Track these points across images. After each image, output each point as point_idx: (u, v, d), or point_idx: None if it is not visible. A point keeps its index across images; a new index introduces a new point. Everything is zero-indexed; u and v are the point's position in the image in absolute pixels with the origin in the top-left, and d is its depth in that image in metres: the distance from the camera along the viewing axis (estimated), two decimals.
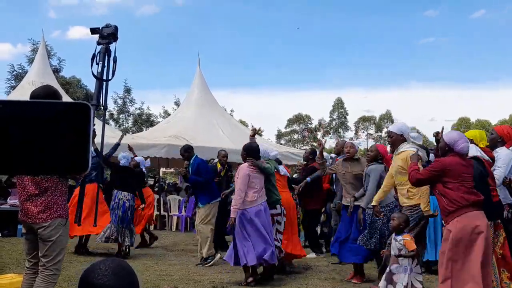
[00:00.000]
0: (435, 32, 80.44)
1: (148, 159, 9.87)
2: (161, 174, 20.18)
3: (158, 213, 12.10)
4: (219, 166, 8.58)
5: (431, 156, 6.56)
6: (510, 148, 5.31)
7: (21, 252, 6.99)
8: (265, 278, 5.96)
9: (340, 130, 61.54)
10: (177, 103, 31.61)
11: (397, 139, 5.03)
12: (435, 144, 5.33)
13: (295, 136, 62.40)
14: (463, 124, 56.15)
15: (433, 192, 6.09)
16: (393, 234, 4.64)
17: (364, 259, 5.98)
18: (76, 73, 45.91)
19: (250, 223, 5.64)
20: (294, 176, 9.70)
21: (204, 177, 7.27)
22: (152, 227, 10.96)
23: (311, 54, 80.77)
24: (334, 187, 7.50)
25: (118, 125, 34.65)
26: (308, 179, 7.58)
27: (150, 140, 12.60)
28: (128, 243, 7.74)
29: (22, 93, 12.18)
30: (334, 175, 7.41)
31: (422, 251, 4.97)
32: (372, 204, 5.27)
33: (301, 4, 78.65)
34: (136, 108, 35.87)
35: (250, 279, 5.76)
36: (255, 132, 6.56)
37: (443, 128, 4.79)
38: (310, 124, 62.76)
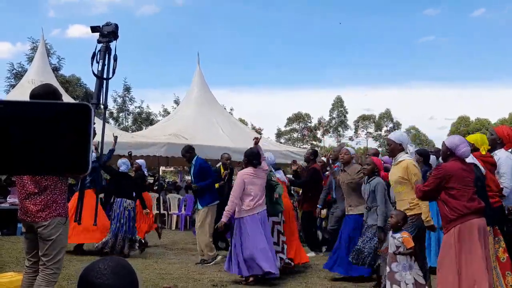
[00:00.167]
0: (435, 31, 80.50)
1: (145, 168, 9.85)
2: (160, 173, 20.18)
3: (157, 211, 12.11)
4: (222, 170, 8.51)
5: (432, 158, 6.57)
6: (509, 150, 5.29)
7: (21, 251, 6.99)
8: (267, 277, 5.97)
9: (339, 128, 61.49)
10: (176, 102, 31.59)
11: (395, 148, 5.02)
12: (435, 143, 5.33)
13: (295, 135, 62.36)
14: (462, 123, 56.11)
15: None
16: (391, 232, 4.64)
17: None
18: (76, 71, 45.99)
19: (246, 233, 5.62)
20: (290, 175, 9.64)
21: (210, 176, 7.27)
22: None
23: (310, 53, 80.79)
24: (334, 194, 7.46)
25: (117, 123, 34.62)
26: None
27: (150, 138, 12.59)
28: (132, 251, 7.70)
29: (22, 92, 12.17)
30: (333, 182, 7.39)
31: (422, 251, 4.94)
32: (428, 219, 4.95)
33: (301, 4, 78.67)
34: (135, 107, 35.86)
35: (251, 278, 5.76)
36: (258, 140, 6.30)
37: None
38: (310, 122, 62.71)
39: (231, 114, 25.03)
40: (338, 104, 61.80)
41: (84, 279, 1.49)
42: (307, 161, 8.71)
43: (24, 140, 0.78)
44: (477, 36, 76.45)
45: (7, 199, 10.23)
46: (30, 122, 0.78)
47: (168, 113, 29.66)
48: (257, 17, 79.69)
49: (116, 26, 3.05)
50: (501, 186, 4.87)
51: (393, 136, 5.17)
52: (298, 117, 62.35)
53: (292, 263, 6.28)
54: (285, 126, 62.70)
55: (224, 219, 5.71)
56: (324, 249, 8.36)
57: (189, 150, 7.51)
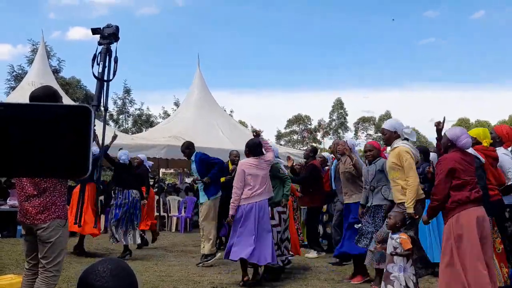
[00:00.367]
0: (435, 32, 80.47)
1: (151, 163, 9.87)
2: (160, 175, 20.17)
3: (157, 213, 12.10)
4: (230, 166, 8.52)
5: (432, 155, 6.57)
6: (509, 148, 5.34)
7: (21, 253, 6.99)
8: (271, 279, 5.97)
9: (339, 130, 61.49)
10: (176, 104, 31.61)
11: (391, 136, 5.06)
12: (435, 145, 5.34)
13: (295, 137, 62.36)
14: (462, 125, 56.16)
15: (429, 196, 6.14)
16: (390, 233, 4.63)
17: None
18: (76, 73, 45.92)
19: (241, 220, 5.64)
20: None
21: (213, 164, 7.27)
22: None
23: (310, 55, 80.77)
24: (334, 186, 7.51)
25: (117, 125, 34.63)
26: None
27: (150, 140, 12.60)
28: (137, 242, 7.75)
29: (22, 94, 12.19)
30: (332, 175, 7.43)
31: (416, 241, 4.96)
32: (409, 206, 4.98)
33: (301, 5, 78.67)
34: (135, 109, 35.88)
35: (246, 277, 5.75)
36: (258, 134, 6.35)
37: (444, 118, 4.79)
38: (310, 124, 62.72)
39: (231, 116, 25.04)
40: (338, 106, 61.82)
41: (83, 281, 1.49)
42: (306, 158, 8.73)
43: (24, 142, 0.78)
44: (477, 38, 76.52)
45: (7, 201, 10.24)
46: (30, 124, 0.78)
47: (168, 115, 29.68)
48: (257, 18, 79.74)
49: (117, 28, 3.05)
50: (509, 183, 4.94)
51: (386, 124, 5.18)
52: (298, 119, 62.37)
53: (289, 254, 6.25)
54: (285, 128, 62.73)
55: (231, 212, 5.70)
56: (318, 251, 8.30)
57: (189, 146, 7.53)
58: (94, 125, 0.84)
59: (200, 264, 7.06)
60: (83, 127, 0.80)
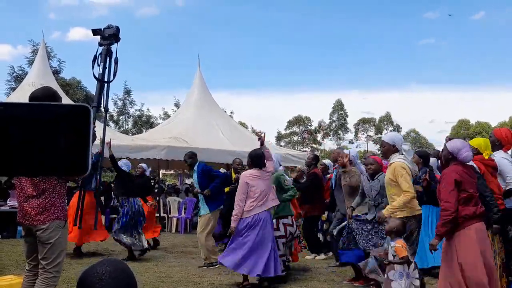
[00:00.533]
0: (435, 34, 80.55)
1: (150, 168, 9.89)
2: (160, 176, 20.17)
3: (157, 215, 12.10)
4: (234, 175, 8.47)
5: (432, 160, 6.56)
6: (509, 151, 5.31)
7: (21, 254, 6.99)
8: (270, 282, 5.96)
9: (340, 132, 61.53)
10: (177, 105, 31.67)
11: (389, 149, 5.02)
12: (434, 147, 5.33)
13: (295, 138, 62.42)
14: (462, 126, 56.11)
15: (426, 201, 6.12)
16: (389, 240, 4.61)
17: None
18: (76, 74, 46.03)
19: (243, 232, 5.59)
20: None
21: (215, 177, 7.25)
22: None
23: (310, 56, 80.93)
24: (335, 195, 7.46)
25: (118, 126, 34.68)
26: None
27: (150, 141, 12.59)
28: (144, 247, 7.75)
29: (22, 95, 12.19)
30: (333, 184, 7.37)
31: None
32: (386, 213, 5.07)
33: (301, 6, 78.79)
34: (136, 110, 35.94)
35: (246, 282, 5.74)
36: (263, 140, 6.14)
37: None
38: (310, 126, 62.76)
39: (231, 117, 25.04)
40: (338, 107, 61.87)
41: (82, 283, 1.48)
42: (308, 165, 8.69)
43: (23, 141, 0.78)
44: (477, 39, 76.65)
45: (7, 202, 10.24)
46: (30, 123, 0.78)
47: (169, 116, 29.72)
48: (257, 19, 79.88)
49: (118, 28, 3.05)
50: (508, 187, 4.90)
51: (386, 137, 5.16)
52: (298, 120, 62.41)
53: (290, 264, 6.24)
54: (285, 129, 62.80)
55: (233, 224, 5.63)
56: (324, 252, 8.32)
57: (191, 156, 7.47)
58: (94, 126, 0.84)
59: (203, 267, 7.03)
60: (82, 126, 0.80)
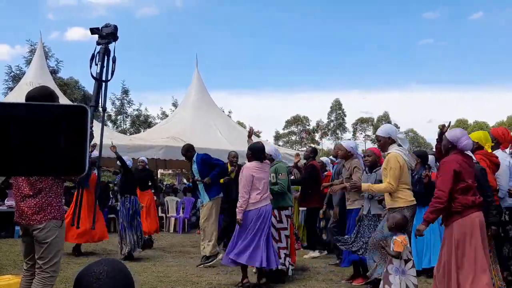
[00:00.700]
0: (433, 34, 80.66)
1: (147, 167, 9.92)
2: (158, 176, 20.16)
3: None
4: (229, 167, 8.49)
5: (430, 158, 6.56)
6: (506, 150, 5.34)
7: (19, 254, 6.98)
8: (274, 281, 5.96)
9: (338, 131, 61.58)
10: (175, 105, 31.63)
11: (385, 142, 5.02)
12: (433, 146, 5.33)
13: (293, 138, 62.46)
14: (461, 126, 56.24)
15: (426, 203, 6.12)
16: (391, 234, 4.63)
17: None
18: (74, 74, 46.01)
19: (248, 226, 5.56)
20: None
21: (215, 165, 7.28)
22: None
23: (309, 56, 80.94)
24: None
25: (115, 126, 34.64)
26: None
27: (148, 141, 12.58)
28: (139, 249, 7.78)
29: (20, 94, 12.17)
30: (332, 178, 7.38)
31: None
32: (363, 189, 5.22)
33: (300, 6, 78.80)
34: (134, 110, 35.90)
35: (245, 280, 5.74)
36: (251, 132, 6.50)
37: (450, 123, 4.70)
38: (308, 125, 62.81)
39: (230, 117, 25.04)
40: (337, 107, 61.93)
41: (79, 283, 1.48)
42: (306, 158, 8.73)
43: (19, 141, 0.77)
44: (476, 39, 76.75)
45: (5, 201, 10.23)
46: (26, 123, 0.78)
47: (167, 115, 29.69)
48: (256, 19, 79.86)
49: (115, 27, 3.05)
50: (497, 188, 4.91)
51: (380, 131, 5.15)
52: (297, 120, 62.46)
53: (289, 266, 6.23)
54: (284, 129, 62.84)
55: (239, 216, 5.58)
56: (320, 250, 8.29)
57: (189, 149, 7.53)
58: (92, 125, 0.84)
59: (201, 265, 7.03)
60: (80, 126, 0.80)
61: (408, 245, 4.45)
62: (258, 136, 23.44)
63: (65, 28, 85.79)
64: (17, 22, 65.70)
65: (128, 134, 26.90)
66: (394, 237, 4.47)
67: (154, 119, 34.85)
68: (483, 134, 5.22)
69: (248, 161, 5.86)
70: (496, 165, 4.92)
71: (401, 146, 4.99)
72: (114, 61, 3.02)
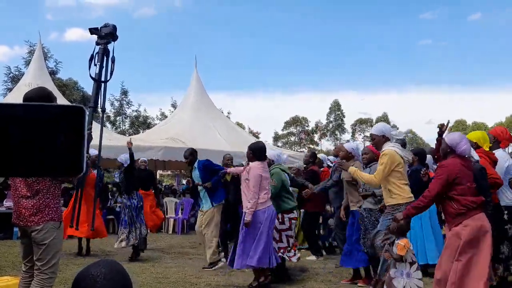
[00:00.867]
0: (432, 34, 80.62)
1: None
2: (158, 177, 20.15)
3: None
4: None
5: (428, 157, 6.56)
6: (506, 149, 5.38)
7: (17, 255, 6.96)
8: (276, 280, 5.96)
9: (336, 132, 61.58)
10: (174, 105, 31.60)
11: (379, 141, 5.02)
12: (432, 146, 5.34)
13: (292, 139, 62.37)
14: (459, 127, 56.28)
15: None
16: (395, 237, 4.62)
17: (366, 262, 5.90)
18: (73, 75, 45.89)
19: (256, 226, 5.48)
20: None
21: (217, 170, 7.24)
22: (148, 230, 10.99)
23: (308, 56, 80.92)
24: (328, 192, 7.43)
25: (114, 127, 34.60)
26: (316, 189, 7.18)
27: (147, 142, 12.57)
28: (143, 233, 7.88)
29: (19, 95, 12.14)
30: (331, 175, 7.40)
31: None
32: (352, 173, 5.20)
33: (299, 7, 78.80)
34: (133, 110, 35.85)
35: (255, 283, 5.66)
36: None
37: (448, 122, 4.70)
38: (307, 126, 62.76)
39: (229, 118, 25.03)
40: (335, 107, 61.91)
41: (77, 285, 1.48)
42: (306, 163, 8.70)
43: (17, 141, 0.77)
44: (475, 40, 76.74)
45: (4, 203, 10.22)
46: (24, 124, 0.78)
47: (166, 116, 29.68)
48: (255, 20, 79.87)
49: (114, 27, 3.05)
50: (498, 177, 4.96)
51: (374, 130, 5.16)
52: (296, 121, 62.39)
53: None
54: (283, 130, 62.73)
55: (248, 217, 5.47)
56: (318, 256, 8.26)
57: (192, 153, 7.40)
58: (90, 126, 0.84)
59: (209, 268, 6.93)
60: (77, 127, 0.80)
61: (411, 248, 4.44)
62: (257, 137, 23.44)
63: (64, 28, 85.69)
64: (15, 23, 65.60)
65: (127, 135, 26.84)
66: (397, 241, 4.46)
67: (153, 120, 34.80)
68: (482, 134, 5.25)
69: (250, 161, 5.76)
70: (494, 162, 4.95)
71: (395, 143, 5.01)
72: (113, 61, 3.03)
